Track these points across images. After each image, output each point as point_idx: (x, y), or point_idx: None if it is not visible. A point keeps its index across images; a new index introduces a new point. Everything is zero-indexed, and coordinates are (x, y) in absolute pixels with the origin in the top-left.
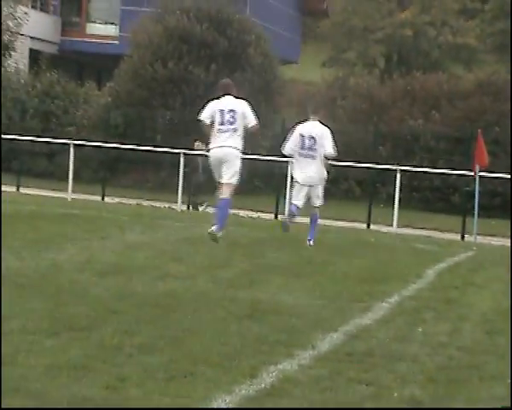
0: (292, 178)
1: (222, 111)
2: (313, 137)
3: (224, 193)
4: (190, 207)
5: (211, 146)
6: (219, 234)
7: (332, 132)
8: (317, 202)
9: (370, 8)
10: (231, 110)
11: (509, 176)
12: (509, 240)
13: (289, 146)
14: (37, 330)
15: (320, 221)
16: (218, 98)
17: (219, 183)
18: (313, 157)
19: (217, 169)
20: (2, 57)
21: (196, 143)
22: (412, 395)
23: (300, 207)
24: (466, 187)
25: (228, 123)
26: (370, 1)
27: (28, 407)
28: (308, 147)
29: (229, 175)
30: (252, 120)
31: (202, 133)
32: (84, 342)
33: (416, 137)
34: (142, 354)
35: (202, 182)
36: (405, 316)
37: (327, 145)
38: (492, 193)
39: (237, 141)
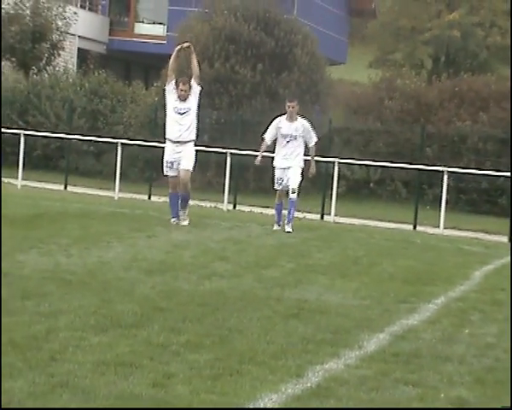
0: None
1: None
2: None
3: None
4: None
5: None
6: None
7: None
8: None
9: (418, 9)
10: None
11: None
12: None
13: None
14: (84, 327)
15: (365, 222)
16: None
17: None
18: None
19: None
20: (52, 57)
21: None
22: (459, 397)
23: None
24: None
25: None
26: (418, 2)
27: (76, 403)
28: None
29: None
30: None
31: (247, 131)
32: (131, 340)
33: (463, 139)
34: (189, 352)
35: None
36: (452, 317)
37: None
38: None
39: None
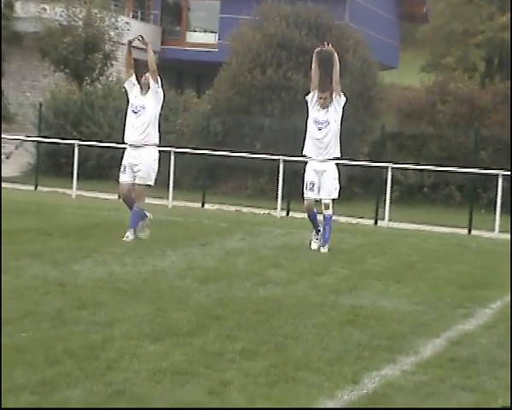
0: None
1: None
2: None
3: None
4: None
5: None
6: None
7: None
8: None
9: (470, 12)
10: None
11: None
12: None
13: None
14: (140, 336)
15: (419, 227)
16: None
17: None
18: None
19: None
20: (104, 67)
21: None
22: None
23: None
24: None
25: None
26: (470, 4)
27: None
28: None
29: None
30: None
31: (300, 138)
32: (187, 348)
33: None
34: (244, 360)
35: None
36: (508, 322)
37: None
38: None
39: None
